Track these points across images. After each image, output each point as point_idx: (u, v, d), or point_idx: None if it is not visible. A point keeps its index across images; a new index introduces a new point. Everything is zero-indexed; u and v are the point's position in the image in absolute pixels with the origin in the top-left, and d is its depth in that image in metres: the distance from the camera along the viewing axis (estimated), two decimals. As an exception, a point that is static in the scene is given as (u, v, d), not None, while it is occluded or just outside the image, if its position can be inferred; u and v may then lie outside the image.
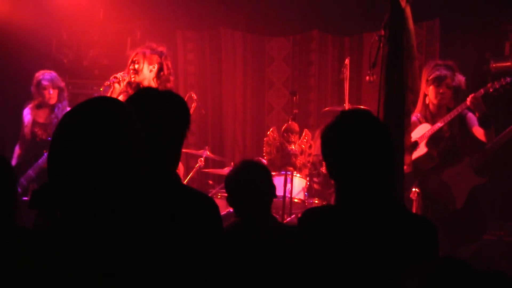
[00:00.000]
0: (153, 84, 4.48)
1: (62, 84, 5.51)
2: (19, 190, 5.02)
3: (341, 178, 2.09)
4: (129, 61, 4.55)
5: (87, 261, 1.44)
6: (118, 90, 4.38)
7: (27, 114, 5.49)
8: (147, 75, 4.50)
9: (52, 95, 5.40)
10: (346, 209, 2.05)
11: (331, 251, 1.99)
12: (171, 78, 4.58)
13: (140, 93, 2.16)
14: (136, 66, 4.48)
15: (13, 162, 5.38)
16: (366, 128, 2.08)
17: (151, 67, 4.51)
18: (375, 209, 2.03)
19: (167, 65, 4.58)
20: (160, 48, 4.62)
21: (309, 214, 2.14)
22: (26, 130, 5.45)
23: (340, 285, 1.96)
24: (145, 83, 4.48)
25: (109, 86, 4.38)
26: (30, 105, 5.52)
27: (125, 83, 4.43)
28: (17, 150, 5.55)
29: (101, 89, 4.52)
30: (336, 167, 2.09)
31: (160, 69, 4.55)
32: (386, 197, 2.06)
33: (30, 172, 5.26)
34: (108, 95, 4.32)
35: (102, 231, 1.48)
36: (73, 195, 1.46)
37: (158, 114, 2.02)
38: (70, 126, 1.52)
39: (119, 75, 4.43)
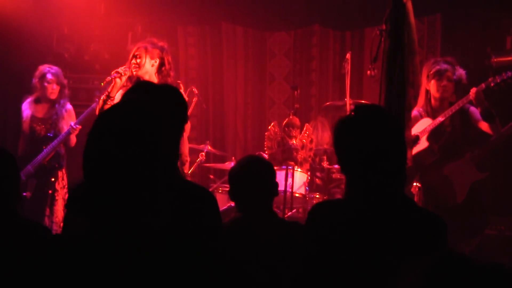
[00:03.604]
0: (154, 79, 4.44)
1: (65, 82, 5.56)
2: None
3: (352, 172, 2.09)
4: (131, 55, 4.49)
5: (125, 260, 1.45)
6: (119, 84, 4.31)
7: (26, 109, 5.45)
8: (149, 69, 4.45)
9: (54, 90, 5.42)
10: (357, 203, 2.05)
11: (339, 244, 1.99)
12: (172, 73, 4.54)
13: (136, 87, 2.18)
14: (138, 60, 4.43)
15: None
16: (378, 123, 2.08)
17: (152, 61, 4.46)
18: (385, 203, 2.03)
19: (168, 60, 4.52)
20: (161, 43, 4.56)
21: (319, 207, 2.15)
22: (25, 125, 5.42)
23: (347, 279, 1.97)
24: (146, 77, 4.43)
25: (111, 81, 4.29)
26: (29, 99, 5.47)
27: (126, 77, 4.38)
28: (20, 145, 5.50)
29: (102, 83, 4.48)
30: (348, 161, 2.09)
31: (162, 64, 4.49)
32: (396, 192, 2.06)
33: (29, 168, 5.22)
34: (109, 89, 4.29)
35: (139, 228, 1.49)
36: (109, 194, 1.47)
37: (155, 107, 2.02)
38: (106, 125, 1.53)
39: (120, 69, 4.35)
